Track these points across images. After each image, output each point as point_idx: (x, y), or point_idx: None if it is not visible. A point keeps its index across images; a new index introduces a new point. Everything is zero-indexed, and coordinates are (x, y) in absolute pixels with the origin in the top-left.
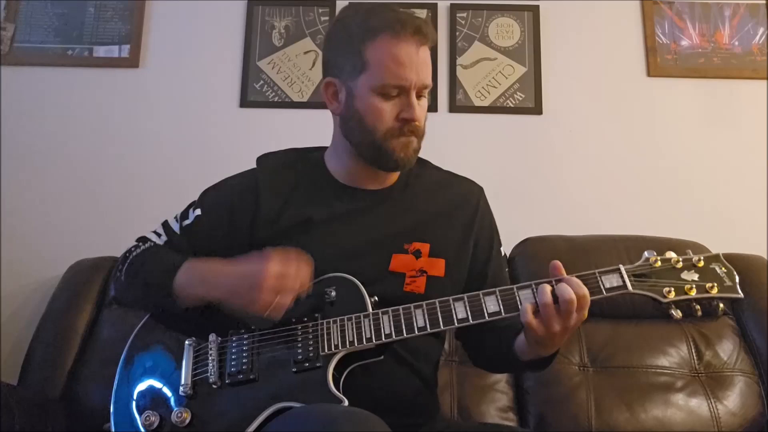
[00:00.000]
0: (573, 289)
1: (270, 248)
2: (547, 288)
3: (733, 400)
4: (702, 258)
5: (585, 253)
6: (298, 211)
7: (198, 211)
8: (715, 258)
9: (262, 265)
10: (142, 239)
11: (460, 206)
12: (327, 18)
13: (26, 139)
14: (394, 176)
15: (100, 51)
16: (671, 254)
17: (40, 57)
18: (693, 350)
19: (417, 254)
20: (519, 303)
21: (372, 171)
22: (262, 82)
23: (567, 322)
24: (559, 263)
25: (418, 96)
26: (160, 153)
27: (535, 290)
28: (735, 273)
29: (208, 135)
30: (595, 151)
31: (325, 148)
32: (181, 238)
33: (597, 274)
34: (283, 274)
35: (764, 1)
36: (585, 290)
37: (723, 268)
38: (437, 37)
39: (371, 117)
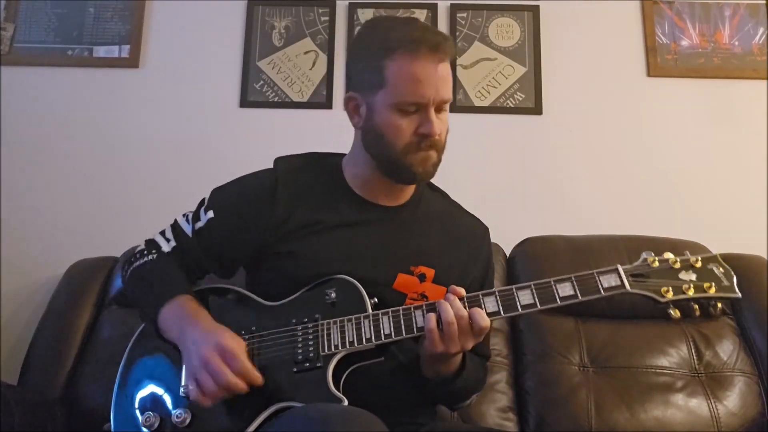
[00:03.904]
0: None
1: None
2: (433, 315)
3: (733, 400)
4: (700, 258)
5: (585, 253)
6: (308, 213)
7: (210, 213)
8: (713, 258)
9: (226, 350)
10: (150, 243)
11: (467, 239)
12: (327, 18)
13: (26, 139)
14: (408, 193)
15: (100, 51)
16: (669, 255)
17: (40, 57)
18: (693, 350)
19: (421, 278)
20: (518, 303)
21: (388, 185)
22: (262, 82)
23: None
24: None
25: (438, 110)
26: (160, 153)
27: (534, 291)
28: (732, 273)
29: (208, 135)
30: (595, 151)
31: (343, 154)
32: (192, 240)
33: (595, 274)
34: (237, 371)
35: (764, 1)
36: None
37: (720, 269)
38: (456, 52)
39: (390, 133)
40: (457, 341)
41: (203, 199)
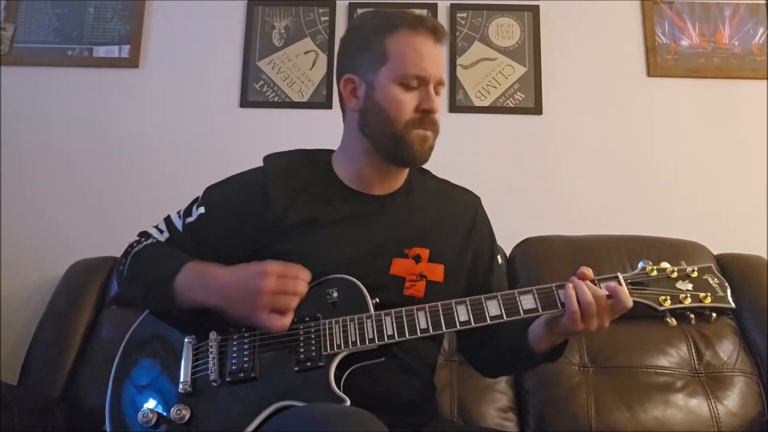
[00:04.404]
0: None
1: (271, 259)
2: (573, 295)
3: (733, 400)
4: (696, 269)
5: (585, 254)
6: (304, 210)
7: (202, 209)
8: (708, 269)
9: (262, 269)
10: (144, 234)
11: (459, 215)
12: (327, 18)
13: (26, 139)
14: (399, 181)
15: (100, 51)
16: (666, 264)
17: (40, 57)
18: (693, 350)
19: (417, 259)
20: (520, 308)
21: (381, 173)
22: (262, 82)
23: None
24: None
25: (435, 92)
26: (160, 153)
27: (536, 296)
28: (727, 284)
29: (208, 135)
30: (595, 151)
31: (332, 150)
32: (183, 235)
33: (596, 281)
34: (283, 276)
35: (764, 1)
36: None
37: (715, 279)
38: (449, 39)
39: (392, 107)
40: (596, 320)
41: (197, 197)
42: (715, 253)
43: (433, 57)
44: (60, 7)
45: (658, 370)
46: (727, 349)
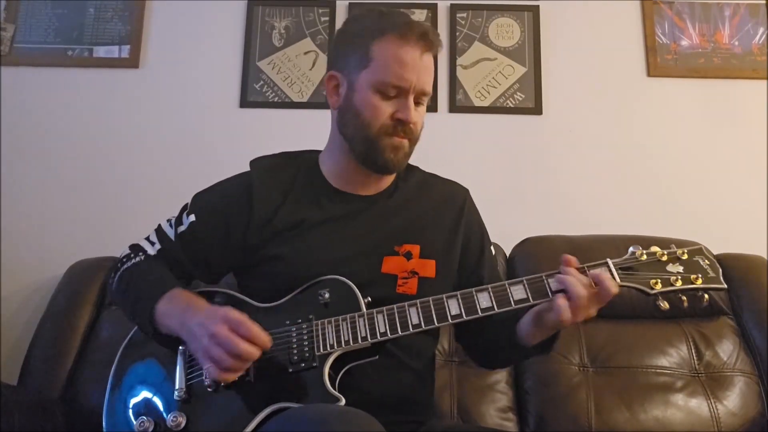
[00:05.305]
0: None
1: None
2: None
3: (733, 400)
4: (686, 251)
5: (585, 253)
6: (291, 212)
7: (192, 217)
8: (698, 251)
9: (223, 314)
10: (135, 248)
11: (447, 208)
12: (327, 18)
13: (26, 139)
14: (386, 182)
15: (100, 51)
16: (656, 248)
17: (40, 57)
18: (693, 350)
19: (408, 256)
20: (511, 299)
21: (364, 174)
22: (262, 82)
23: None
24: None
25: (417, 102)
26: (160, 153)
27: (526, 286)
28: (718, 265)
29: (208, 135)
30: (595, 151)
31: (319, 150)
32: (176, 245)
33: (585, 268)
34: (236, 327)
35: (764, 1)
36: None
37: (706, 261)
38: (442, 46)
39: (367, 112)
40: (585, 311)
41: (186, 204)
42: (715, 253)
43: (418, 67)
44: (60, 7)
45: (658, 370)
46: (727, 349)
